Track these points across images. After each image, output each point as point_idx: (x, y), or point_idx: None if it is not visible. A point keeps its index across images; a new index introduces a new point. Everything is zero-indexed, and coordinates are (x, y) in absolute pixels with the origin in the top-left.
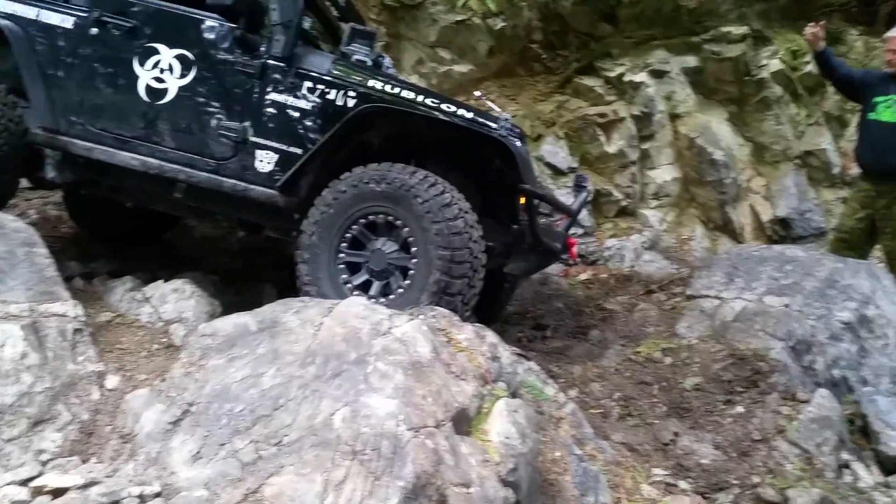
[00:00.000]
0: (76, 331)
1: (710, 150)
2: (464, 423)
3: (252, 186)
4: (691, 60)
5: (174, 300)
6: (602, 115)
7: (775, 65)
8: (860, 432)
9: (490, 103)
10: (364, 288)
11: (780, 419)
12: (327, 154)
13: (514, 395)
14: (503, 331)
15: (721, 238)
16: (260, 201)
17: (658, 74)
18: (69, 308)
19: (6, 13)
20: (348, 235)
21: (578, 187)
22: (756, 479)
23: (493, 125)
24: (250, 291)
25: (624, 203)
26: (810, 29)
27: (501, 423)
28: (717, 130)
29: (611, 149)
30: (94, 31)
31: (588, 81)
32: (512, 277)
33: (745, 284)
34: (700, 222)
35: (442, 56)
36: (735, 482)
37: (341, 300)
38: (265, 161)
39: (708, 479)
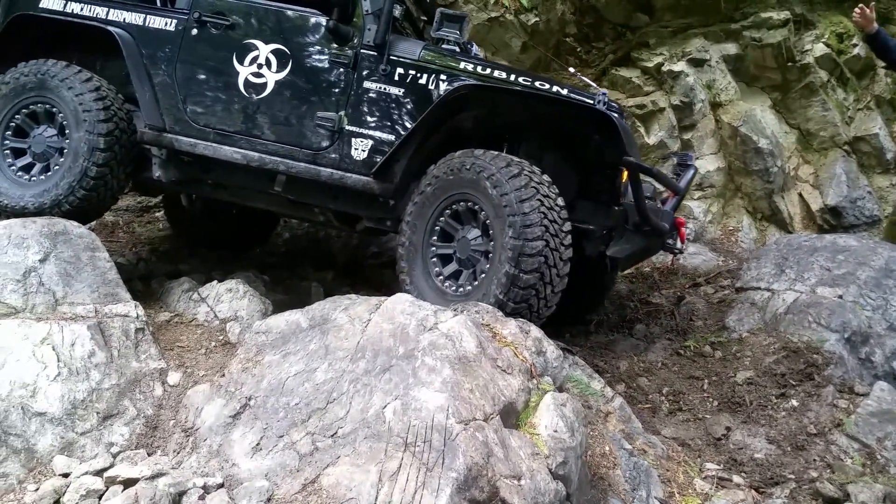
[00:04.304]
0: (138, 330)
1: (755, 139)
2: (512, 416)
3: (348, 174)
4: (731, 48)
5: (228, 299)
6: (641, 107)
7: (820, 49)
8: None
9: (585, 79)
10: (445, 261)
11: (837, 413)
12: (420, 139)
13: (560, 389)
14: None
15: (769, 228)
16: (356, 189)
17: (697, 63)
18: (131, 309)
19: (117, 21)
20: (448, 211)
21: (683, 165)
22: (813, 474)
23: (591, 100)
24: (298, 290)
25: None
26: (858, 11)
27: (549, 417)
28: (762, 118)
29: (651, 140)
30: (195, 31)
31: (625, 73)
32: (613, 262)
33: (797, 275)
34: (747, 213)
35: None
36: (791, 476)
37: (424, 278)
38: (360, 149)
39: (763, 474)
